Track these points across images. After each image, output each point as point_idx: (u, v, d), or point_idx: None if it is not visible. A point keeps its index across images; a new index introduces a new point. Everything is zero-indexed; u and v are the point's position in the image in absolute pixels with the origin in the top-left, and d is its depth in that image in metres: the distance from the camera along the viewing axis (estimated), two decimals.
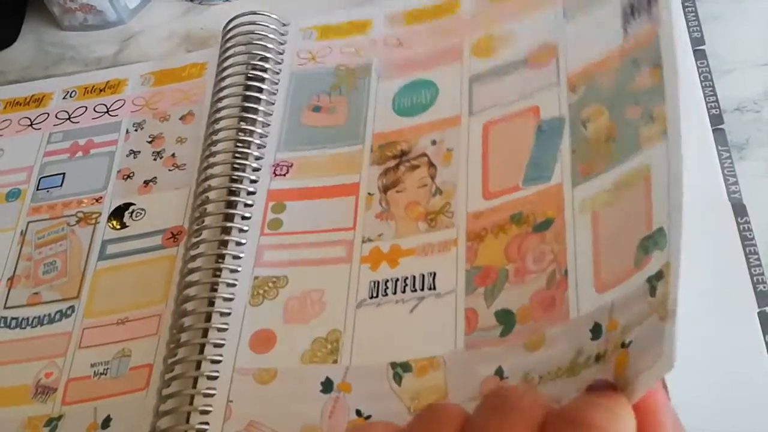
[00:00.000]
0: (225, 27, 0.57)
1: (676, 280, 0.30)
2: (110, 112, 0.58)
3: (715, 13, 0.52)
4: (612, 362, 0.32)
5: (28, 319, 0.50)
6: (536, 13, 0.50)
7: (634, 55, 0.41)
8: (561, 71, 0.46)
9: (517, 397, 0.29)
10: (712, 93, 0.48)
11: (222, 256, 0.47)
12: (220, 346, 0.43)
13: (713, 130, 0.47)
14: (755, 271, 0.41)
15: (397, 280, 0.44)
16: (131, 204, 0.53)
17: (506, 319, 0.39)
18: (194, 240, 0.47)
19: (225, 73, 0.54)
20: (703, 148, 0.46)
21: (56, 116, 0.59)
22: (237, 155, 0.50)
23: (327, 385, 0.41)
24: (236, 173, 0.49)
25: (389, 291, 0.43)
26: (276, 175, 0.50)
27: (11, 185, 0.56)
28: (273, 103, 0.53)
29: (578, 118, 0.43)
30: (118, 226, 0.52)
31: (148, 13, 0.66)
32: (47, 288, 0.51)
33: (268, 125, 0.52)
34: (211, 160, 0.50)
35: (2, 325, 0.50)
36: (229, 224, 0.48)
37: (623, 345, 0.32)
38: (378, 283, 0.44)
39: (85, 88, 0.60)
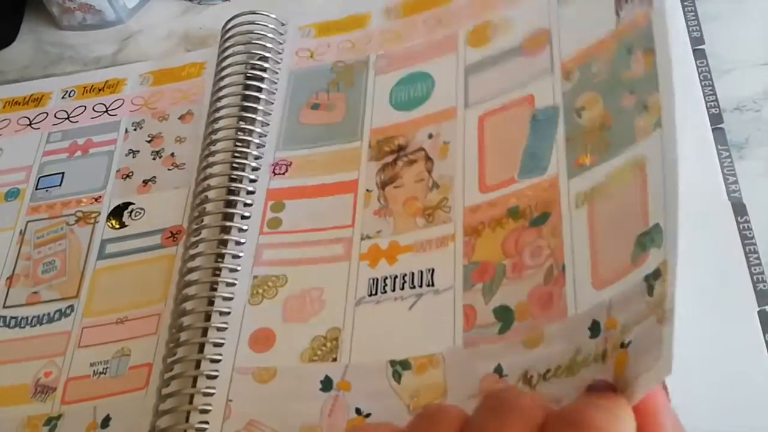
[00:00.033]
0: (224, 27, 0.57)
1: (673, 280, 0.30)
2: (109, 112, 0.58)
3: (715, 13, 0.52)
4: (612, 362, 0.32)
5: (27, 318, 0.49)
6: None
7: (627, 40, 0.41)
8: (555, 58, 0.46)
9: (517, 398, 0.29)
10: (711, 92, 0.48)
11: (221, 256, 0.47)
12: (220, 345, 0.43)
13: (713, 130, 0.46)
14: (755, 270, 0.41)
15: (396, 277, 0.44)
16: (130, 203, 0.53)
17: (504, 316, 0.39)
18: (193, 239, 0.47)
19: (224, 73, 0.54)
20: (703, 148, 0.46)
21: (55, 116, 0.59)
22: (236, 155, 0.50)
23: (326, 384, 0.41)
24: (235, 173, 0.49)
25: (388, 288, 0.43)
26: (275, 174, 0.50)
27: (10, 185, 0.56)
28: (272, 103, 0.53)
29: (573, 106, 0.43)
30: (117, 226, 0.52)
31: (147, 13, 0.66)
32: (46, 287, 0.51)
33: (267, 124, 0.52)
34: (211, 159, 0.50)
35: (1, 324, 0.50)
36: (228, 223, 0.47)
37: (623, 345, 0.32)
38: (377, 280, 0.44)
39: (84, 88, 0.60)
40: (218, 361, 0.43)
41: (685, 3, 0.51)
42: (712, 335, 0.38)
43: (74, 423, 0.45)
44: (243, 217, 0.48)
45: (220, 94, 0.53)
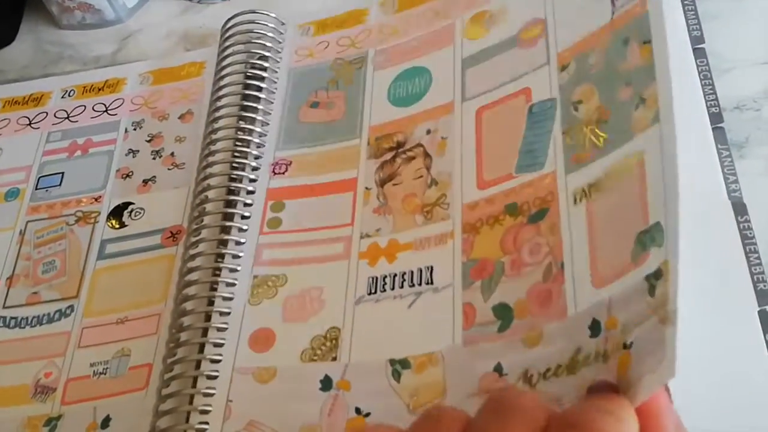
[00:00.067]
0: (224, 26, 0.57)
1: (675, 281, 0.30)
2: (109, 111, 0.58)
3: (715, 12, 0.52)
4: (614, 362, 0.32)
5: (27, 318, 0.49)
6: None
7: (623, 31, 0.41)
8: (550, 49, 0.46)
9: (519, 400, 0.29)
10: (711, 91, 0.48)
11: (221, 255, 0.46)
12: (220, 345, 0.43)
13: (713, 129, 0.46)
14: (755, 269, 0.41)
15: (395, 275, 0.44)
16: (130, 203, 0.53)
17: (504, 314, 0.39)
18: (193, 239, 0.47)
19: (224, 72, 0.54)
20: (703, 147, 0.46)
21: (55, 115, 0.59)
22: (236, 154, 0.50)
23: (326, 383, 0.41)
24: (235, 172, 0.49)
25: (387, 287, 0.43)
26: (275, 173, 0.50)
27: (10, 184, 0.56)
28: (272, 102, 0.53)
29: (569, 99, 0.43)
30: (117, 226, 0.52)
31: (147, 12, 0.66)
32: (46, 287, 0.51)
33: (267, 124, 0.52)
34: (211, 159, 0.50)
35: (1, 324, 0.50)
36: (228, 223, 0.47)
37: (625, 346, 0.31)
38: (376, 278, 0.44)
39: (84, 87, 0.60)
40: (218, 361, 0.43)
41: (685, 2, 0.51)
42: (713, 335, 0.38)
43: (74, 423, 0.45)
44: (243, 217, 0.48)
45: (220, 93, 0.53)
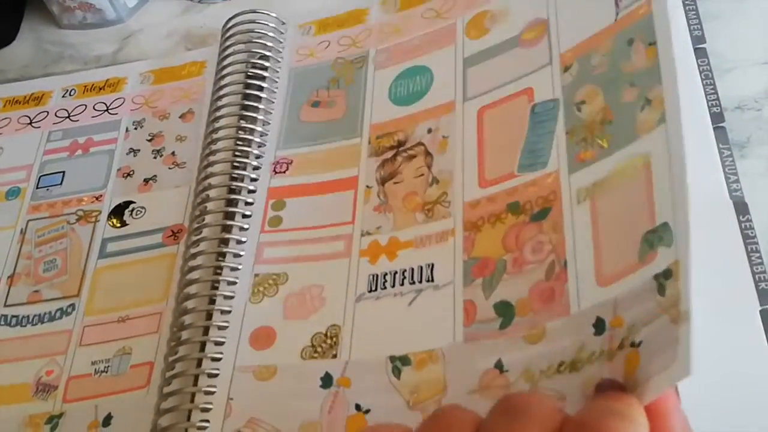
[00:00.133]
0: (224, 25, 0.57)
1: (687, 280, 0.30)
2: (110, 111, 0.58)
3: (716, 12, 0.52)
4: (621, 361, 0.32)
5: (28, 317, 0.49)
6: None
7: (628, 33, 0.41)
8: (553, 49, 0.46)
9: (532, 402, 0.29)
10: (713, 91, 0.48)
11: (222, 254, 0.46)
12: (221, 343, 0.43)
13: (714, 129, 0.46)
14: (757, 269, 0.41)
15: (396, 272, 0.44)
16: (131, 202, 0.53)
17: (505, 311, 0.39)
18: (194, 238, 0.47)
19: (225, 72, 0.54)
20: (705, 147, 0.46)
21: (56, 114, 0.59)
22: (237, 153, 0.50)
23: (326, 380, 0.41)
24: (236, 171, 0.49)
25: (388, 284, 0.43)
26: (276, 172, 0.50)
27: (11, 183, 0.56)
28: (273, 101, 0.53)
29: (572, 100, 0.43)
30: (118, 225, 0.52)
31: (147, 12, 0.66)
32: (47, 286, 0.51)
33: (268, 123, 0.52)
34: (212, 158, 0.50)
35: (2, 323, 0.50)
36: (229, 222, 0.47)
37: (633, 345, 0.31)
38: (377, 276, 0.44)
39: (85, 87, 0.60)
40: (219, 359, 0.43)
41: (686, 2, 0.51)
42: (714, 335, 0.38)
43: (76, 421, 0.45)
44: (244, 216, 0.48)
45: (221, 92, 0.53)
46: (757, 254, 0.42)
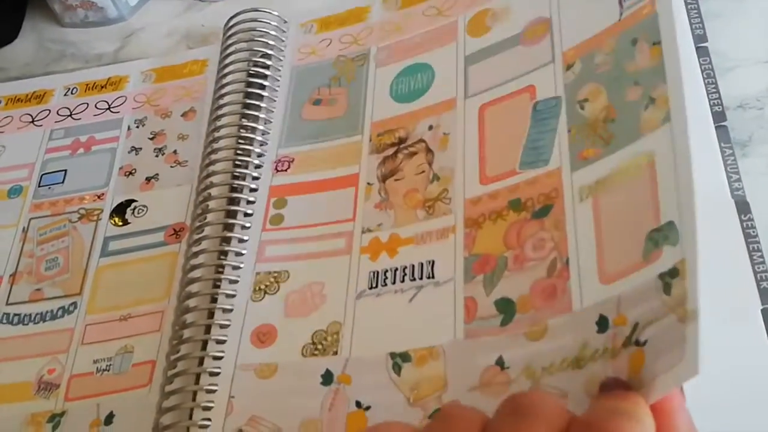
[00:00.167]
0: (226, 24, 0.57)
1: (694, 279, 0.30)
2: (111, 109, 0.58)
3: (718, 11, 0.52)
4: (625, 360, 0.32)
5: (30, 315, 0.50)
6: None
7: (632, 32, 0.41)
8: (555, 48, 0.46)
9: (539, 402, 0.29)
10: (714, 90, 0.48)
11: (224, 253, 0.46)
12: (222, 342, 0.43)
13: (716, 128, 0.46)
14: (759, 268, 0.41)
15: (396, 269, 0.44)
16: (133, 201, 0.53)
17: (506, 308, 0.39)
18: (196, 236, 0.47)
19: (226, 70, 0.54)
20: (706, 146, 0.46)
21: (57, 113, 0.59)
22: (239, 152, 0.50)
23: (327, 378, 0.41)
24: (238, 170, 0.49)
25: (388, 281, 0.43)
26: (278, 170, 0.50)
27: (13, 182, 0.56)
28: (275, 100, 0.53)
29: (575, 98, 0.43)
30: (120, 223, 0.52)
31: (149, 10, 0.66)
32: (49, 284, 0.51)
33: (270, 122, 0.52)
34: (213, 157, 0.50)
35: (4, 321, 0.50)
36: (231, 221, 0.47)
37: (637, 343, 0.31)
38: (377, 273, 0.44)
39: (87, 85, 0.61)
40: (221, 358, 0.43)
41: (688, 1, 0.51)
42: (716, 334, 0.38)
43: (78, 420, 0.45)
44: (246, 214, 0.48)
45: (223, 91, 0.53)
46: (759, 253, 0.42)
